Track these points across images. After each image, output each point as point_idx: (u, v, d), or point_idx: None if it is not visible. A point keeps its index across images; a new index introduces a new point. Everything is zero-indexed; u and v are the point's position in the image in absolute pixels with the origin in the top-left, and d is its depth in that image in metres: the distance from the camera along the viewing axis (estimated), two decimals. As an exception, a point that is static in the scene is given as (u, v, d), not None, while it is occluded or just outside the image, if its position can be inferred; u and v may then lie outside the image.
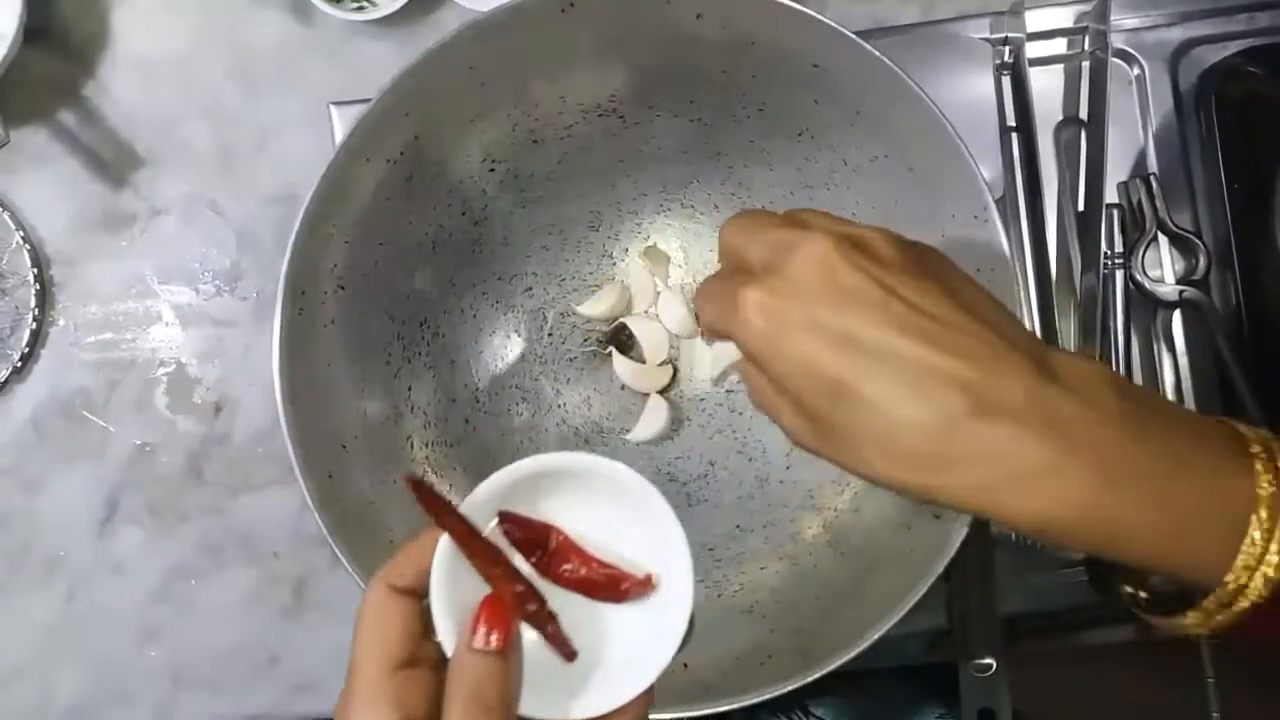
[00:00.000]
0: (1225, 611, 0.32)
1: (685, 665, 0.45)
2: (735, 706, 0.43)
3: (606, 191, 0.53)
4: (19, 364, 0.60)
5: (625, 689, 0.33)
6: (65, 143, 0.61)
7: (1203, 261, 0.56)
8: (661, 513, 0.33)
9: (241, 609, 0.61)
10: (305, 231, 0.44)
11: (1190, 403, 0.57)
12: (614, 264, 0.55)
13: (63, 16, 0.62)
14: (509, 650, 0.31)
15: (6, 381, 0.60)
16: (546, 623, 0.33)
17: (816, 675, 0.42)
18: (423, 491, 0.33)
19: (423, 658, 0.33)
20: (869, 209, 0.50)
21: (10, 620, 0.61)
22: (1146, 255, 0.56)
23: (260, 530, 0.61)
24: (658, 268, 0.55)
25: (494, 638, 0.31)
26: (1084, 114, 0.58)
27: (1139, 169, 0.59)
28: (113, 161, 0.61)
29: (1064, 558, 0.57)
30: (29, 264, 0.60)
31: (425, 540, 0.33)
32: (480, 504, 0.33)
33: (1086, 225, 0.57)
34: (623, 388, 0.55)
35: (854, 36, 0.44)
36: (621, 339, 0.55)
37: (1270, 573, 0.31)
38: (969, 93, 0.58)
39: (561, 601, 0.33)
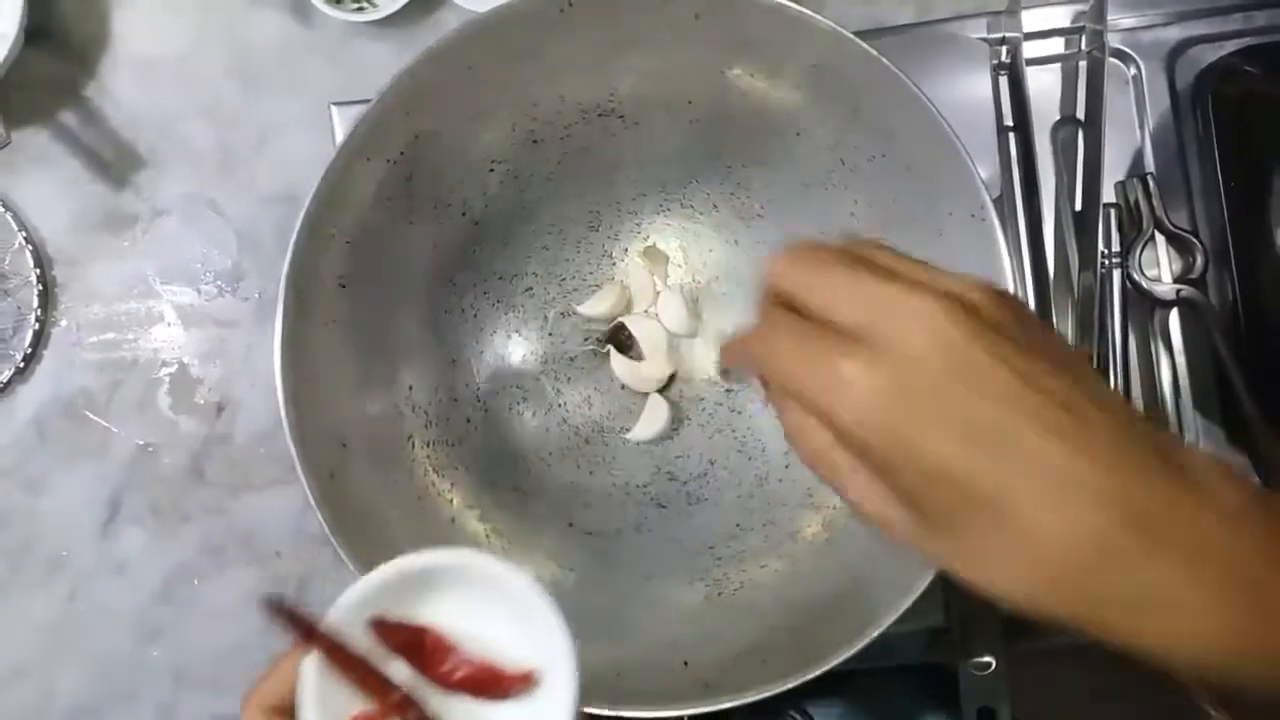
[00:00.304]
0: None
1: (685, 663, 0.45)
2: (735, 704, 0.43)
3: (606, 191, 0.54)
4: (21, 364, 0.60)
5: None
6: (66, 143, 0.62)
7: (1200, 260, 0.56)
8: (541, 606, 0.32)
9: (243, 609, 0.61)
10: (306, 231, 0.44)
11: (1187, 401, 0.58)
12: (614, 264, 0.55)
13: (63, 17, 0.62)
14: None
15: (9, 382, 0.60)
16: None
17: (816, 673, 0.42)
18: (283, 613, 0.32)
19: None
20: (867, 208, 0.50)
21: (12, 620, 0.61)
22: (1144, 254, 0.56)
23: (262, 530, 0.61)
24: (657, 267, 0.55)
25: None
26: (1081, 113, 0.58)
27: (1136, 168, 0.59)
28: (114, 162, 0.62)
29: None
30: (31, 264, 0.60)
31: (295, 657, 0.32)
32: (352, 608, 0.32)
33: (1084, 225, 0.57)
34: (623, 387, 0.55)
35: (852, 36, 0.45)
36: (620, 338, 0.55)
37: None
38: (966, 92, 0.58)
39: (444, 704, 0.33)
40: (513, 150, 0.51)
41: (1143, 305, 0.57)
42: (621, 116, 0.51)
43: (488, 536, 0.50)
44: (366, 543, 0.45)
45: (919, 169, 0.47)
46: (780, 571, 0.49)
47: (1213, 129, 0.57)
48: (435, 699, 0.33)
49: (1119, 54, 0.59)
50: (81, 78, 0.62)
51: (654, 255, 0.55)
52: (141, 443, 0.61)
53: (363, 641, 0.32)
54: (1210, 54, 0.59)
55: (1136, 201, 0.56)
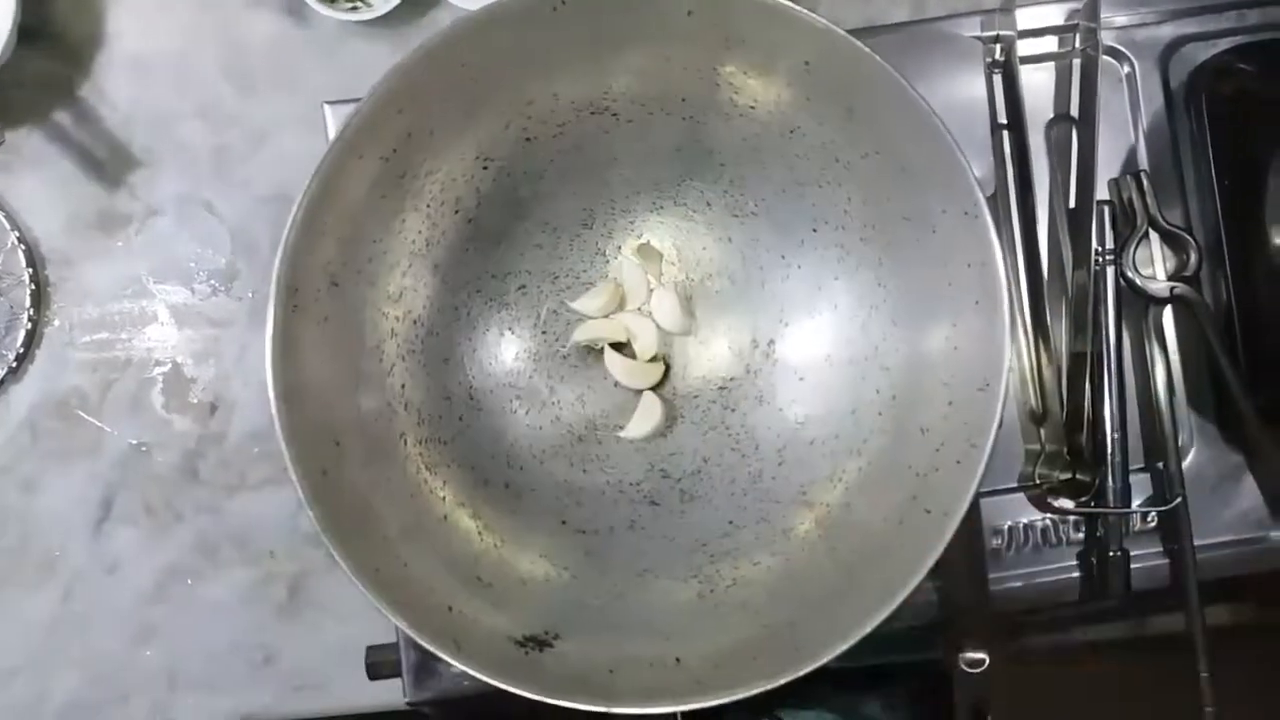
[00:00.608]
0: None
1: (677, 660, 0.45)
2: (727, 701, 0.43)
3: (600, 189, 0.54)
4: (14, 364, 0.60)
5: None
6: (60, 143, 0.61)
7: (1194, 258, 0.56)
8: None
9: (238, 608, 0.61)
10: (298, 228, 0.44)
11: (1181, 399, 0.58)
12: (607, 262, 0.55)
13: (57, 16, 0.62)
14: None
15: (2, 382, 0.60)
16: None
17: (808, 670, 0.42)
18: None
19: None
20: (861, 205, 0.50)
21: (5, 620, 0.61)
22: (1138, 252, 0.56)
23: (256, 529, 0.61)
24: (651, 265, 0.55)
25: None
26: (1075, 111, 0.58)
27: (1130, 166, 0.59)
28: (108, 161, 0.62)
29: (1055, 553, 0.57)
30: (24, 264, 0.60)
31: None
32: None
33: (1078, 222, 0.57)
34: (616, 385, 0.55)
35: (845, 34, 0.45)
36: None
37: None
38: (960, 90, 0.58)
39: None
40: (506, 148, 0.51)
41: (1137, 303, 0.57)
42: (615, 114, 0.51)
43: (480, 534, 0.50)
44: (358, 541, 0.45)
45: (913, 167, 0.47)
46: (773, 568, 0.49)
47: (1206, 127, 0.57)
48: None
49: (1113, 52, 0.59)
50: (76, 77, 0.62)
51: (648, 253, 0.55)
52: (135, 442, 0.61)
53: None
54: (1203, 52, 0.59)
55: (1130, 199, 0.56)
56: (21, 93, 0.61)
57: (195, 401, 0.61)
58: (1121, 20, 0.59)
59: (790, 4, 0.44)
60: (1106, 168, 0.58)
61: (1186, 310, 0.57)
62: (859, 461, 0.50)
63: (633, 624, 0.48)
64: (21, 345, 0.60)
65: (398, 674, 0.56)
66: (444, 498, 0.50)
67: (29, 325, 0.60)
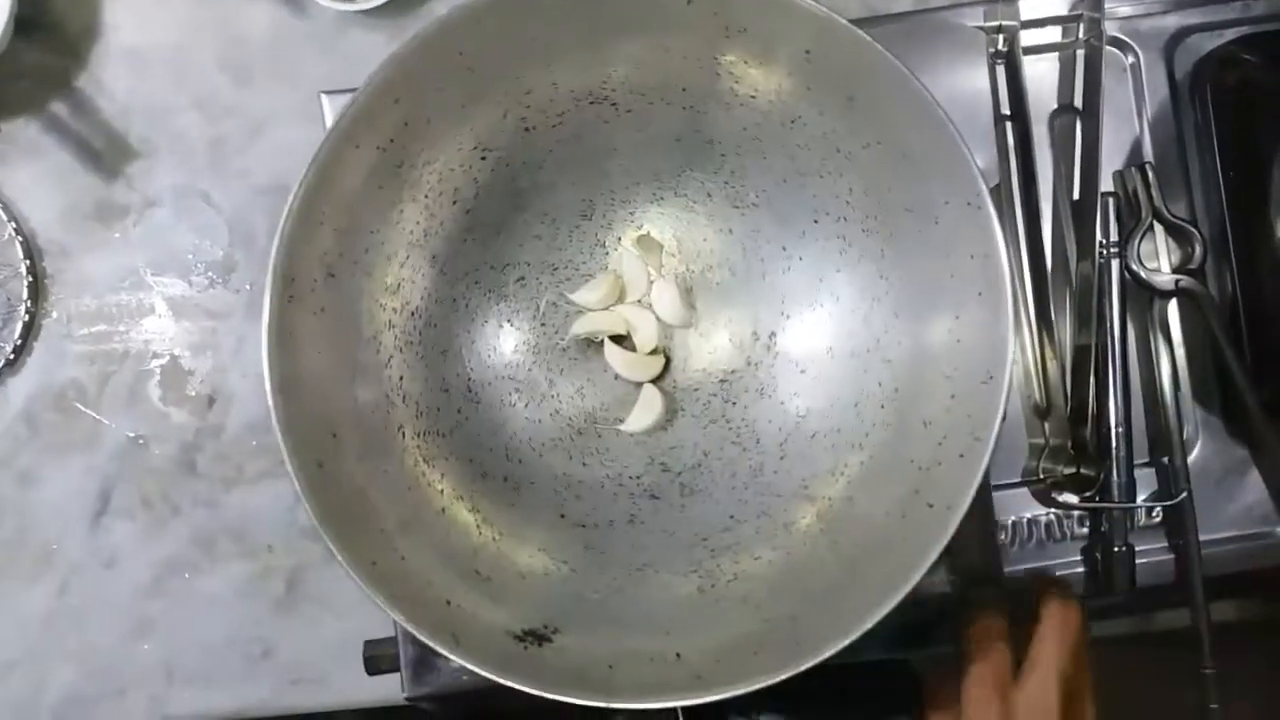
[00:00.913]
0: None
1: (677, 655, 0.45)
2: (728, 696, 0.42)
3: (599, 180, 0.53)
4: (11, 356, 0.60)
5: None
6: (57, 134, 0.61)
7: (1199, 250, 0.55)
8: None
9: (235, 602, 0.61)
10: (294, 218, 0.44)
11: (1186, 393, 0.57)
12: (607, 253, 0.55)
13: (54, 7, 0.61)
14: None
15: (-1, 374, 0.60)
16: None
17: (809, 664, 0.42)
18: None
19: None
20: (862, 196, 0.49)
21: (2, 613, 0.61)
22: (1142, 244, 0.56)
23: (254, 523, 0.61)
24: (651, 256, 0.55)
25: None
26: (1079, 102, 0.58)
27: (1134, 158, 0.58)
28: (105, 153, 0.61)
29: (1059, 549, 0.57)
30: (21, 256, 0.60)
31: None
32: None
33: (1082, 214, 0.56)
34: (616, 378, 0.54)
35: (846, 22, 0.44)
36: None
37: None
38: (963, 81, 0.57)
39: None
40: (504, 137, 0.50)
41: (1141, 295, 0.56)
42: (615, 104, 0.50)
43: (478, 528, 0.50)
44: (356, 534, 0.45)
45: (915, 157, 0.46)
46: (774, 563, 0.49)
47: (1211, 118, 0.57)
48: None
49: (1117, 42, 0.58)
50: (73, 68, 0.61)
51: (648, 244, 0.54)
52: (132, 435, 0.61)
53: None
54: (1209, 42, 0.58)
55: (1135, 191, 0.56)
56: (18, 84, 0.61)
57: (193, 394, 0.61)
58: (1125, 10, 0.58)
59: (791, -8, 0.44)
60: (1110, 159, 0.57)
61: (1191, 303, 0.56)
62: (861, 455, 0.50)
63: (632, 618, 0.48)
64: (19, 337, 0.60)
65: (396, 668, 0.55)
66: (442, 491, 0.50)
67: (26, 317, 0.60)
